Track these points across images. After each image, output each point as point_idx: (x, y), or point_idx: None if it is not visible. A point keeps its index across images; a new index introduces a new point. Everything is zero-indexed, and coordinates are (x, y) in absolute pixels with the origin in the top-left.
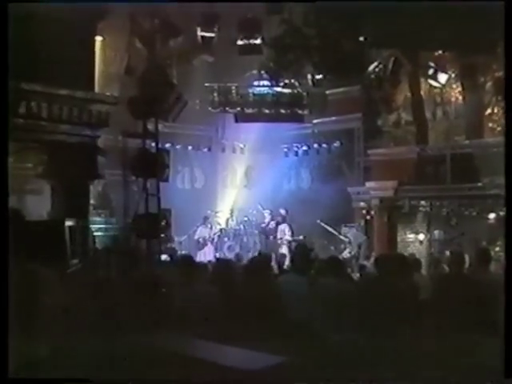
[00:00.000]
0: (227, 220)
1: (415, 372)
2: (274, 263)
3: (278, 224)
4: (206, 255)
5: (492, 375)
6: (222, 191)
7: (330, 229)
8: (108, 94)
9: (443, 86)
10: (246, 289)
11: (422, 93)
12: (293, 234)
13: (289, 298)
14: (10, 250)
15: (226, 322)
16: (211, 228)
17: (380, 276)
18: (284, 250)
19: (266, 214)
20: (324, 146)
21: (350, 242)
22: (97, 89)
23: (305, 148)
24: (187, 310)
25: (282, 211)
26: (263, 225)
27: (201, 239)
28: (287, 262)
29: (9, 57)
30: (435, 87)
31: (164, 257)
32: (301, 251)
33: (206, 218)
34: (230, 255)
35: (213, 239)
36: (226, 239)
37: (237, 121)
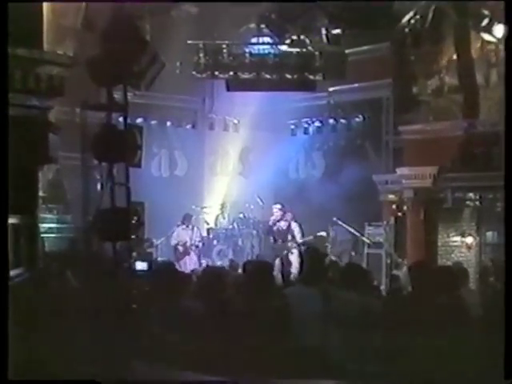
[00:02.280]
0: (217, 217)
1: None
2: (277, 272)
3: (286, 222)
4: (186, 265)
5: None
6: (210, 180)
7: (351, 229)
8: (60, 52)
9: (500, 41)
10: (241, 306)
11: (471, 51)
12: (303, 236)
13: (296, 318)
14: None
15: (216, 348)
16: (193, 229)
17: (414, 291)
18: (291, 255)
19: (276, 209)
20: (342, 121)
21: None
22: (45, 46)
23: (317, 124)
24: (167, 334)
25: (277, 205)
26: (270, 223)
27: (180, 245)
28: (294, 270)
29: None
30: (489, 43)
31: (137, 265)
32: (312, 257)
33: (186, 217)
34: (221, 262)
35: (196, 246)
36: (215, 242)
37: (229, 89)
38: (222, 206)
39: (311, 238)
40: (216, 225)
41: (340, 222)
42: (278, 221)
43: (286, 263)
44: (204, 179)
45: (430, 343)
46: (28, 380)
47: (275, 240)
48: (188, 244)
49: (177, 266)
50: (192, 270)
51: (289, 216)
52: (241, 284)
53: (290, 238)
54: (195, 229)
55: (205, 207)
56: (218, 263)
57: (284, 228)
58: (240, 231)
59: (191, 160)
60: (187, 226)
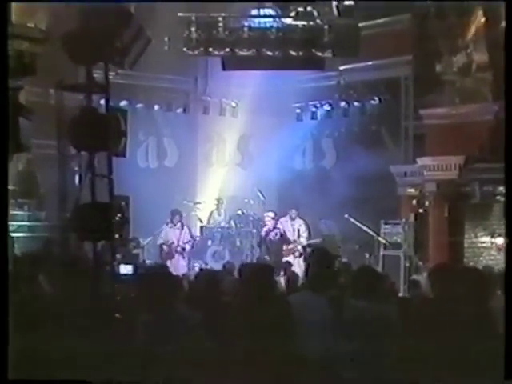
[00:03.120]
0: (211, 214)
1: None
2: (280, 277)
3: (291, 219)
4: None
5: None
6: (204, 172)
7: (365, 227)
8: (31, 25)
9: None
10: (238, 315)
11: (501, 23)
12: (310, 235)
13: (301, 329)
14: None
15: (211, 362)
16: (182, 228)
17: (436, 298)
18: (295, 257)
19: (268, 217)
20: (355, 104)
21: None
22: (13, 18)
23: (327, 108)
24: (157, 347)
25: (270, 213)
26: (263, 233)
27: (165, 246)
28: (300, 275)
29: None
30: None
31: (122, 268)
32: (320, 260)
33: (174, 214)
34: (217, 265)
35: (183, 248)
36: (209, 242)
37: (225, 68)
38: (218, 202)
39: (319, 240)
40: (210, 223)
41: (352, 220)
42: (271, 230)
43: (289, 266)
44: (197, 171)
45: (446, 350)
46: (28, 380)
47: (268, 252)
48: (174, 245)
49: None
50: (183, 275)
51: (293, 213)
52: (238, 290)
53: (295, 236)
54: (185, 228)
55: (198, 202)
56: (213, 266)
57: (277, 238)
58: (238, 230)
59: (182, 149)
60: (175, 225)
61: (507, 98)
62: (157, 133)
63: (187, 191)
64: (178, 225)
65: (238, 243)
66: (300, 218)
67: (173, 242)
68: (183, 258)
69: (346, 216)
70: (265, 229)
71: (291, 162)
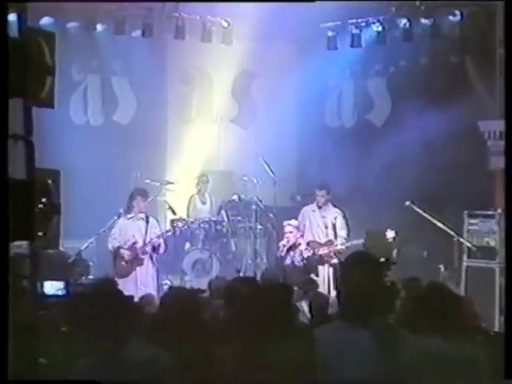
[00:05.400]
0: (190, 201)
1: None
2: (301, 300)
3: (319, 207)
4: (136, 285)
5: None
6: (178, 132)
7: (438, 222)
8: None
9: None
10: (236, 364)
11: None
12: (348, 234)
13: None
14: None
15: None
16: (147, 221)
17: None
18: (324, 267)
19: (290, 227)
20: (423, 21)
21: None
22: None
23: (376, 28)
24: None
25: (292, 222)
26: (281, 252)
27: (124, 249)
28: (332, 296)
29: None
30: None
31: (47, 286)
32: (363, 273)
33: (136, 197)
34: (198, 282)
35: (154, 248)
36: (187, 245)
37: None
38: (201, 181)
39: (361, 241)
40: (189, 214)
41: (417, 210)
42: (292, 248)
43: (314, 285)
44: (166, 131)
45: None
46: (28, 380)
47: (285, 277)
48: (138, 246)
49: (120, 287)
50: (142, 297)
51: (322, 198)
52: (232, 324)
53: (328, 235)
54: (151, 220)
55: (168, 182)
56: (193, 284)
57: (303, 262)
58: (232, 226)
59: (143, 95)
60: (136, 215)
61: (507, 97)
62: (101, 69)
63: (151, 164)
64: (142, 216)
65: (232, 247)
66: (334, 205)
67: (135, 243)
68: (153, 265)
69: (408, 203)
70: (283, 243)
71: (318, 116)
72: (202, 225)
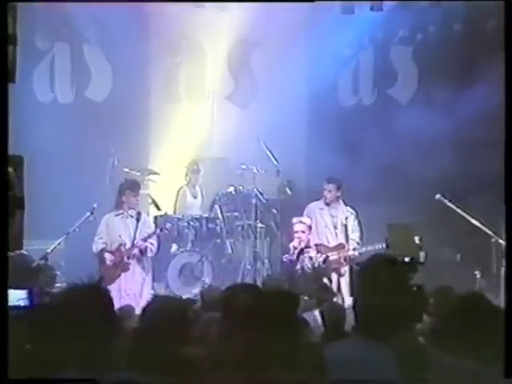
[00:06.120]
0: (179, 194)
1: None
2: (310, 312)
3: (327, 204)
4: (121, 293)
5: None
6: (164, 112)
7: (471, 219)
8: None
9: None
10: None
11: None
12: (362, 238)
13: None
14: None
15: None
16: (138, 220)
17: None
18: (338, 276)
19: (301, 225)
20: None
21: None
22: None
23: None
24: None
25: (304, 220)
26: (288, 256)
27: (108, 253)
28: (347, 307)
29: None
30: None
31: (12, 295)
32: (384, 280)
33: (126, 190)
34: (188, 291)
35: (142, 251)
36: (174, 247)
37: None
38: (190, 170)
39: (382, 245)
40: (177, 210)
41: (450, 205)
42: (302, 251)
43: (327, 293)
44: (149, 110)
45: None
46: (28, 380)
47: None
48: (125, 248)
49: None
50: (120, 309)
51: (331, 193)
52: (228, 341)
53: (338, 237)
54: (143, 217)
55: (152, 172)
56: (182, 293)
57: (312, 264)
58: (228, 224)
59: (120, 68)
60: (125, 212)
61: (507, 97)
62: (71, 36)
63: (130, 150)
64: (131, 212)
65: (228, 249)
66: (345, 203)
67: (121, 244)
68: (142, 270)
69: (438, 197)
70: (294, 244)
71: (331, 93)
72: (191, 222)
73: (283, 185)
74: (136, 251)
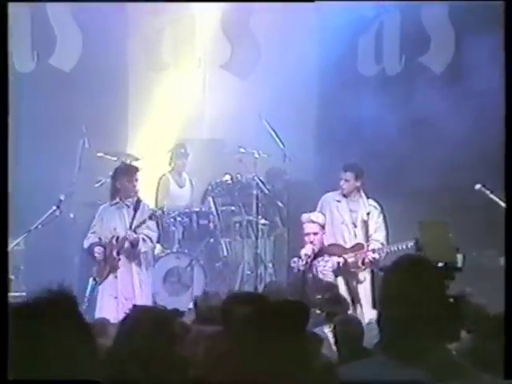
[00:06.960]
0: (162, 183)
1: None
2: (322, 328)
3: (345, 196)
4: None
5: None
6: (145, 82)
7: None
8: None
9: None
10: None
11: None
12: (387, 238)
13: None
14: None
15: None
16: (136, 209)
17: None
18: (357, 283)
19: (310, 223)
20: None
21: None
22: None
23: None
24: None
25: (314, 216)
26: (297, 262)
27: (99, 247)
28: (366, 321)
29: None
30: None
31: None
32: (413, 287)
33: (115, 181)
34: (174, 301)
35: (147, 238)
36: (158, 248)
37: None
38: (176, 154)
39: (411, 243)
40: (161, 203)
41: (493, 197)
42: (316, 257)
43: (341, 304)
44: (127, 81)
45: None
46: (28, 380)
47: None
48: (116, 241)
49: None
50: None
51: (345, 183)
52: (225, 360)
53: (358, 235)
54: (141, 206)
55: (130, 156)
56: (167, 303)
57: (322, 270)
58: (223, 220)
59: (92, 30)
60: (122, 201)
61: (507, 97)
62: None
63: (104, 129)
64: (128, 201)
65: (224, 251)
66: (367, 195)
67: (114, 237)
68: (139, 269)
69: (478, 187)
70: (307, 252)
71: (348, 60)
72: (178, 218)
73: (290, 172)
74: (127, 244)
